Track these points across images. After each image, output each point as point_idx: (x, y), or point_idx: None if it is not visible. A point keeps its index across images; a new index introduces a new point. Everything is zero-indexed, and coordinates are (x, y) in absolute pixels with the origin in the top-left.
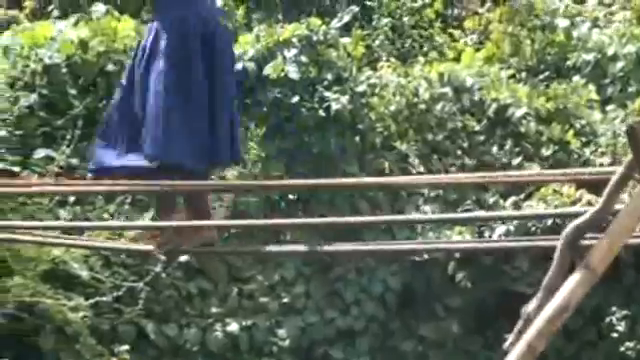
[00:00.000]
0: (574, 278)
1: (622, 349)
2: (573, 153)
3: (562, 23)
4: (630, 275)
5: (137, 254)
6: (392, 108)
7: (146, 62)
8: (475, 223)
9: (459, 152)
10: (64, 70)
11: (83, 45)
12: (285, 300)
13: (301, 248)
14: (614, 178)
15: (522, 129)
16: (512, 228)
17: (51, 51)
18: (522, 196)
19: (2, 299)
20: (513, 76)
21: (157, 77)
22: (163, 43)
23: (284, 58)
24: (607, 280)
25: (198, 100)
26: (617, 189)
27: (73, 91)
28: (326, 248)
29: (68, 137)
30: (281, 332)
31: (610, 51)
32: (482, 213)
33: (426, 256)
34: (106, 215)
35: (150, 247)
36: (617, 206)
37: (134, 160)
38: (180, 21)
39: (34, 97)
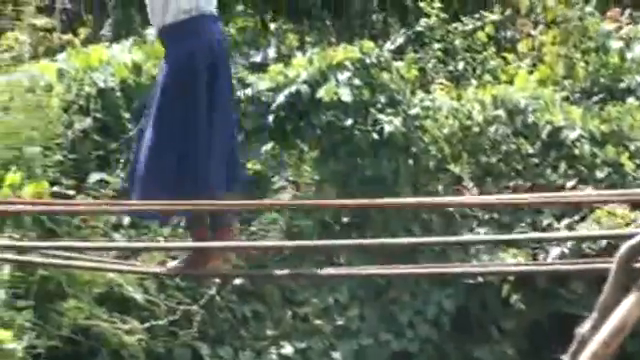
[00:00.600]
0: (630, 299)
1: None
2: (627, 175)
3: (615, 45)
4: None
5: (147, 275)
6: (445, 131)
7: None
8: (529, 245)
9: (513, 174)
10: (118, 94)
11: (137, 68)
12: (339, 323)
13: (355, 271)
14: None
15: (576, 151)
16: (566, 250)
17: (105, 75)
18: (576, 218)
19: (58, 322)
20: (567, 98)
21: (158, 111)
22: (170, 78)
23: (337, 81)
24: None
25: (199, 133)
26: None
27: (127, 114)
28: (381, 271)
29: (122, 161)
30: (336, 355)
31: None
32: (536, 234)
33: (480, 279)
34: (161, 238)
35: (158, 269)
36: None
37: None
38: (188, 55)
39: (88, 121)
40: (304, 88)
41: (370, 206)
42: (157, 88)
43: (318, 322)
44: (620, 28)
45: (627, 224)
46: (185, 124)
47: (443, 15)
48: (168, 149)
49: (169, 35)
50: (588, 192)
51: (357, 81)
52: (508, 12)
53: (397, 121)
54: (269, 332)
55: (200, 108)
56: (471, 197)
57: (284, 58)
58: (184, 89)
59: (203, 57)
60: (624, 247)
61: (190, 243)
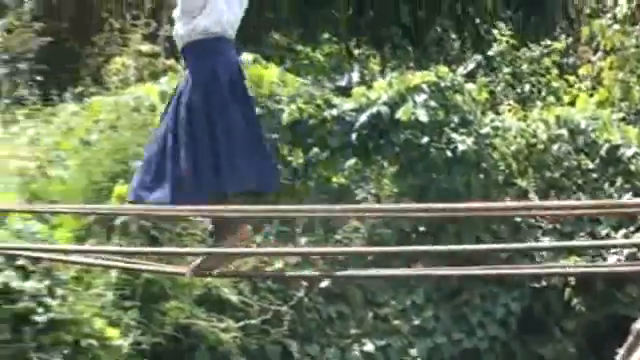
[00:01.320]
0: None
1: None
2: None
3: None
4: None
5: (171, 274)
6: (513, 148)
7: (176, 109)
8: (589, 253)
9: (574, 188)
10: None
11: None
12: (416, 322)
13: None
14: None
15: (632, 167)
16: (622, 258)
17: None
18: (632, 228)
19: (161, 321)
20: (623, 119)
21: (186, 122)
22: (193, 91)
23: (415, 103)
24: None
25: (225, 137)
26: None
27: None
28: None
29: None
30: (413, 352)
31: None
32: (596, 241)
33: (544, 283)
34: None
35: (183, 269)
36: None
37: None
38: (211, 70)
39: None
40: (384, 109)
41: (442, 210)
42: (182, 98)
43: (397, 322)
44: None
45: None
46: (212, 130)
47: (512, 42)
48: (202, 154)
49: (194, 52)
50: None
51: (433, 103)
52: (571, 40)
53: (469, 140)
54: (352, 331)
55: (224, 116)
56: (536, 204)
57: (366, 82)
58: (208, 100)
59: (224, 73)
60: None
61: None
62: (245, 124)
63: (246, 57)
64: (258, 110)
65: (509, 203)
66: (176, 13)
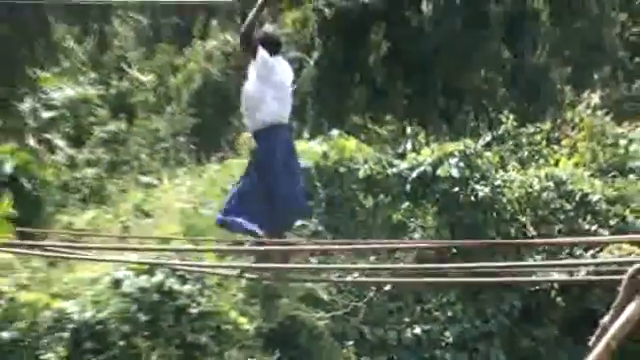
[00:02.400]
0: (635, 302)
1: None
2: (630, 223)
3: (622, 141)
4: None
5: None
6: (516, 195)
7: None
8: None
9: (558, 223)
10: (313, 171)
11: (325, 155)
12: (449, 314)
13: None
14: None
15: (597, 208)
16: (591, 270)
17: (305, 160)
18: (597, 249)
19: (276, 313)
20: (592, 175)
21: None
22: (261, 159)
23: (449, 164)
24: None
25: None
26: None
27: (318, 183)
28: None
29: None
30: (447, 334)
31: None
32: (571, 260)
33: (537, 287)
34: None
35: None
36: None
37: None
38: (271, 148)
39: None
40: (428, 168)
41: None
42: (254, 163)
43: (436, 313)
44: (630, 130)
45: (629, 254)
46: (267, 181)
47: (515, 123)
48: (261, 194)
49: (258, 136)
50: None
51: (461, 164)
52: (558, 121)
53: (486, 189)
54: (405, 319)
55: (277, 175)
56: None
57: (416, 149)
58: (268, 166)
59: (279, 149)
60: (631, 268)
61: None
62: (291, 182)
63: (333, 132)
64: (342, 169)
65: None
66: (242, 109)
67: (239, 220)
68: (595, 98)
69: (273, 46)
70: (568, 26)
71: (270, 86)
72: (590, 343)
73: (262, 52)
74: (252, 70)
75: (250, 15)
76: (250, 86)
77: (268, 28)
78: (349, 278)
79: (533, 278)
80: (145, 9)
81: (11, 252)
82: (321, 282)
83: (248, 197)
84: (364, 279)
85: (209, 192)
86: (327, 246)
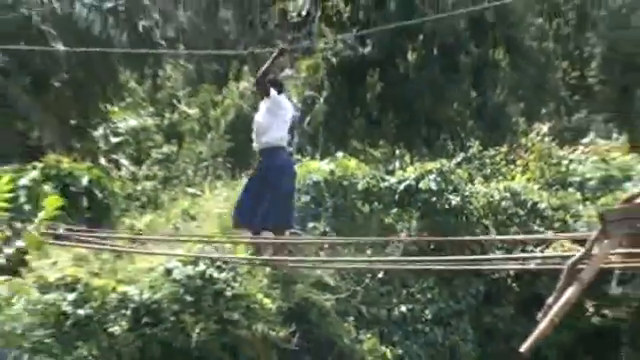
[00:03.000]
0: (572, 287)
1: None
2: (570, 226)
3: (565, 161)
4: None
5: (241, 263)
6: (481, 204)
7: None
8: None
9: (514, 225)
10: (322, 185)
11: (331, 172)
12: (429, 296)
13: None
14: (590, 238)
15: (544, 214)
16: (539, 262)
17: (316, 175)
18: (544, 247)
19: (291, 296)
20: (540, 187)
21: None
22: (262, 172)
23: (429, 178)
24: None
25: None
26: (593, 243)
27: (326, 194)
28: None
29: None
30: (427, 312)
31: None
32: (522, 255)
33: (497, 275)
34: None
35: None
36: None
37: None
38: (276, 154)
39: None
40: (412, 182)
41: (435, 240)
42: (256, 178)
43: (418, 295)
44: (569, 153)
45: (569, 250)
46: (263, 194)
47: (480, 147)
48: (256, 202)
49: (263, 154)
50: (550, 234)
51: (438, 179)
52: (513, 145)
53: (457, 199)
54: (394, 300)
55: (270, 187)
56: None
57: (403, 167)
58: (267, 181)
59: (278, 165)
60: (570, 261)
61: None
62: (284, 192)
63: (339, 154)
64: (345, 183)
65: (466, 238)
66: (253, 134)
67: (249, 222)
68: (543, 128)
69: (278, 87)
70: (521, 72)
71: (276, 117)
72: (538, 318)
73: (273, 92)
74: (263, 105)
75: (265, 65)
76: (260, 117)
77: (287, 72)
78: (350, 266)
79: (494, 267)
80: (191, 57)
81: (86, 247)
82: (328, 269)
83: (253, 201)
84: (362, 266)
85: None
86: (333, 241)
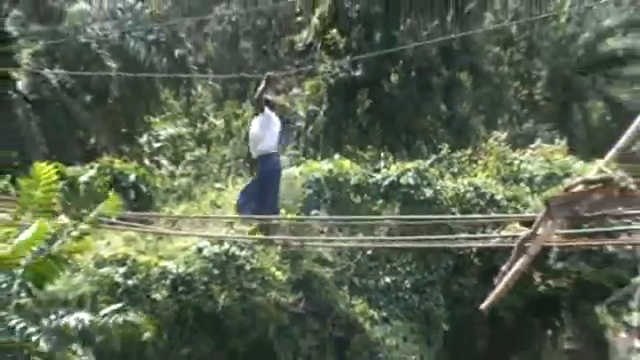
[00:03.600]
0: (522, 259)
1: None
2: (519, 210)
3: (516, 162)
4: None
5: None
6: (449, 195)
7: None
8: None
9: (475, 212)
10: (322, 180)
11: (330, 171)
12: (407, 269)
13: None
14: (538, 219)
15: (500, 203)
16: (497, 240)
17: (317, 173)
18: (500, 228)
19: (298, 269)
20: (497, 182)
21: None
22: (260, 176)
23: (408, 175)
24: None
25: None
26: (539, 224)
27: (326, 188)
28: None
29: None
30: (406, 282)
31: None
32: (479, 235)
33: (462, 252)
34: None
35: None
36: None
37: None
38: (267, 159)
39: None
40: (395, 178)
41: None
42: (256, 180)
43: (399, 268)
44: (520, 155)
45: (519, 230)
46: (258, 190)
47: (449, 150)
48: (252, 196)
49: (260, 159)
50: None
51: (415, 175)
52: (476, 148)
53: (430, 191)
54: (380, 272)
55: (268, 181)
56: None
57: (387, 167)
58: (263, 181)
59: (270, 169)
60: (519, 238)
61: None
62: (272, 190)
63: (336, 156)
64: (340, 179)
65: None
66: (249, 144)
67: (246, 210)
68: (499, 135)
69: (270, 106)
70: (482, 90)
71: (268, 129)
72: (495, 284)
73: (267, 110)
74: (255, 120)
75: (260, 88)
76: (254, 130)
77: (276, 98)
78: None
79: (460, 245)
80: (218, 79)
81: (135, 230)
82: (327, 247)
83: (251, 195)
84: (354, 245)
85: None
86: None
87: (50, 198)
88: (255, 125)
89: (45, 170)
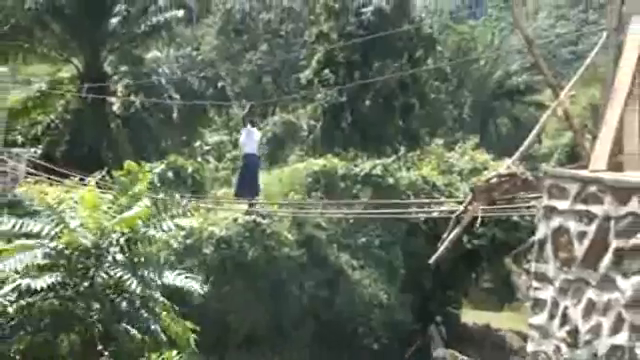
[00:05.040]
0: (458, 228)
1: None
2: (453, 194)
3: (450, 160)
4: None
5: (279, 216)
6: (406, 182)
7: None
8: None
9: (424, 195)
10: (319, 172)
11: (324, 166)
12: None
13: None
14: (466, 200)
15: (440, 188)
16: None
17: (315, 167)
18: (453, 204)
19: (302, 232)
20: (437, 174)
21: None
22: (244, 164)
23: (377, 169)
24: None
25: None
26: (468, 204)
27: (321, 178)
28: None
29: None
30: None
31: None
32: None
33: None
34: None
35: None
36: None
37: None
38: (251, 156)
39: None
40: (368, 170)
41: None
42: (243, 169)
43: (371, 232)
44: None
45: (454, 207)
46: (245, 174)
47: (405, 152)
48: (243, 179)
49: (245, 157)
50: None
51: (382, 169)
52: (423, 150)
53: (392, 180)
54: (358, 234)
55: (250, 170)
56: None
57: (362, 163)
58: (245, 168)
59: (251, 163)
60: (456, 213)
61: None
62: (253, 175)
63: (328, 156)
64: (332, 172)
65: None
66: (239, 148)
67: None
68: (439, 141)
69: (252, 123)
70: (426, 110)
71: (250, 139)
72: (438, 245)
73: (249, 127)
74: (243, 132)
75: (245, 112)
76: (242, 139)
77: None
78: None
79: (413, 216)
80: (248, 103)
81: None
82: (322, 216)
83: (241, 183)
84: (340, 215)
85: (278, 182)
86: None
87: (144, 189)
88: (242, 135)
89: (132, 166)
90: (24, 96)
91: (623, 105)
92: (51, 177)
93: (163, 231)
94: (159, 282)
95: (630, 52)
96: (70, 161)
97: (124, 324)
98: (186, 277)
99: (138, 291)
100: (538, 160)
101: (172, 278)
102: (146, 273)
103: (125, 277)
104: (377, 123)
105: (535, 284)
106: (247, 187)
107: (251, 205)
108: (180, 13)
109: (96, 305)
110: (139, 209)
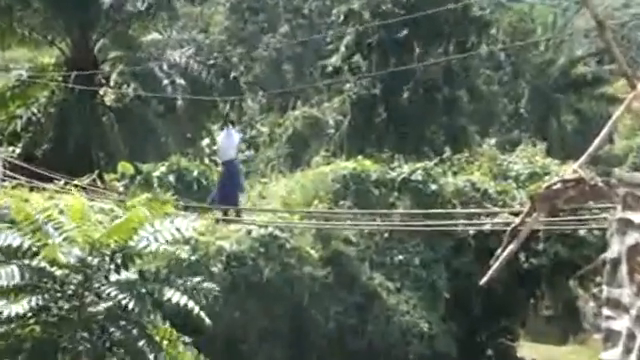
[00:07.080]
0: (513, 243)
1: None
2: (509, 205)
3: (504, 162)
4: None
5: (300, 228)
6: (451, 189)
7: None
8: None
9: (472, 203)
10: (348, 176)
11: (354, 169)
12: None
13: None
14: (525, 211)
15: (492, 196)
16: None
17: (344, 171)
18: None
19: (328, 248)
20: (489, 179)
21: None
22: (223, 175)
23: (417, 173)
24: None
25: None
26: (526, 215)
27: (351, 183)
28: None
29: None
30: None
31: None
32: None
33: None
34: None
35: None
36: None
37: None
38: (230, 163)
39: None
40: (406, 175)
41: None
42: (222, 176)
43: (410, 249)
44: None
45: (509, 219)
46: (226, 184)
47: (450, 153)
48: (223, 190)
49: (224, 165)
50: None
51: (423, 173)
52: (472, 151)
53: (436, 186)
54: (394, 251)
55: (229, 183)
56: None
57: (400, 166)
58: (225, 177)
59: (231, 170)
60: (511, 226)
61: None
62: (234, 186)
63: (359, 157)
64: (363, 175)
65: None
66: (217, 154)
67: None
68: (491, 141)
69: (233, 126)
70: (476, 105)
71: (229, 144)
72: (490, 264)
73: (230, 129)
74: (222, 134)
75: (225, 111)
76: (220, 144)
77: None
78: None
79: (459, 229)
80: (264, 94)
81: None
82: (352, 230)
83: (221, 191)
84: (373, 229)
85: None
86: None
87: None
88: (220, 139)
89: (127, 168)
90: (1, 85)
91: None
92: (32, 181)
93: (166, 241)
94: (160, 301)
95: None
96: (54, 162)
97: (118, 357)
98: (194, 290)
99: (134, 316)
100: (610, 164)
101: (177, 297)
102: (144, 292)
103: (119, 298)
104: (417, 119)
105: (607, 312)
106: (226, 200)
107: (236, 213)
108: None
109: (84, 333)
110: (131, 214)
